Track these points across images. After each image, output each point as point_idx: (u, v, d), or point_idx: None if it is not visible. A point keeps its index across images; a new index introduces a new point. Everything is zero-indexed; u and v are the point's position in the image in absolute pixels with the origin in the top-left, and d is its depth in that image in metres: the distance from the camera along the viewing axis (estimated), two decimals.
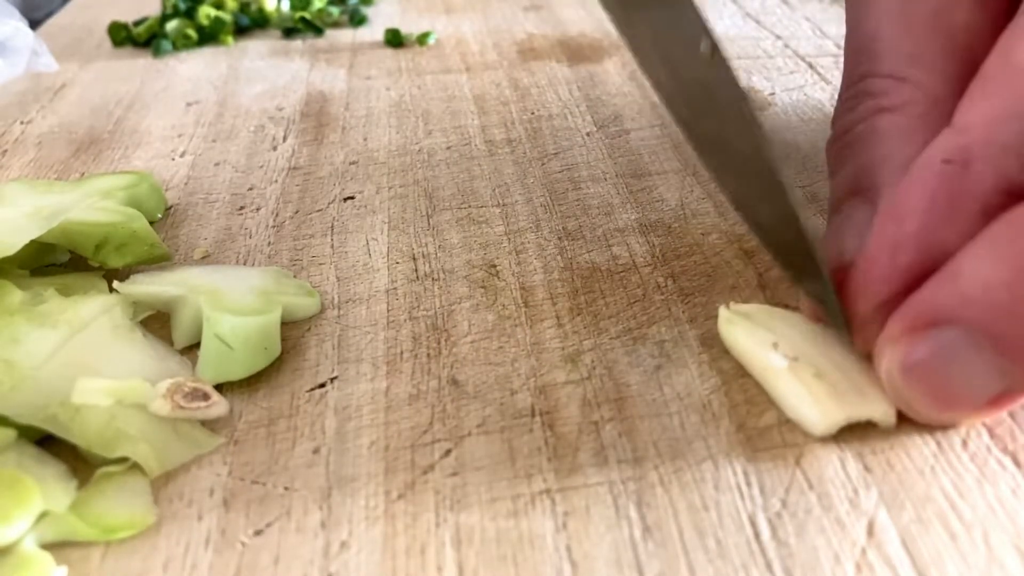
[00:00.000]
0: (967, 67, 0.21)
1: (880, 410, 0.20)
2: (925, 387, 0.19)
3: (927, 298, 0.18)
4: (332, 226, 0.30)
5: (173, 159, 0.36)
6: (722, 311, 0.23)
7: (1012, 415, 0.20)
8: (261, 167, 0.35)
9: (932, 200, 0.19)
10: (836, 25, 0.46)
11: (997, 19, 0.21)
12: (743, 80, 0.40)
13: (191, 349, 0.24)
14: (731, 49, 0.44)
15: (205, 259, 0.28)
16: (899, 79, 0.22)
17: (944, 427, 0.20)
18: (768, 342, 0.21)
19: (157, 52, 0.48)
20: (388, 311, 0.25)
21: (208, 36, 0.50)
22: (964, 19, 0.22)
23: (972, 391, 0.18)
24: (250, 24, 0.52)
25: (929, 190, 0.19)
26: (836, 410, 0.20)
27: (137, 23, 0.51)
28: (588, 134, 0.36)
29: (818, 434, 0.20)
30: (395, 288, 0.26)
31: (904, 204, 0.19)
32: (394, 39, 0.48)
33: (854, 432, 0.20)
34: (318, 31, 0.51)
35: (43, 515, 0.18)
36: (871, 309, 0.20)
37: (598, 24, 0.49)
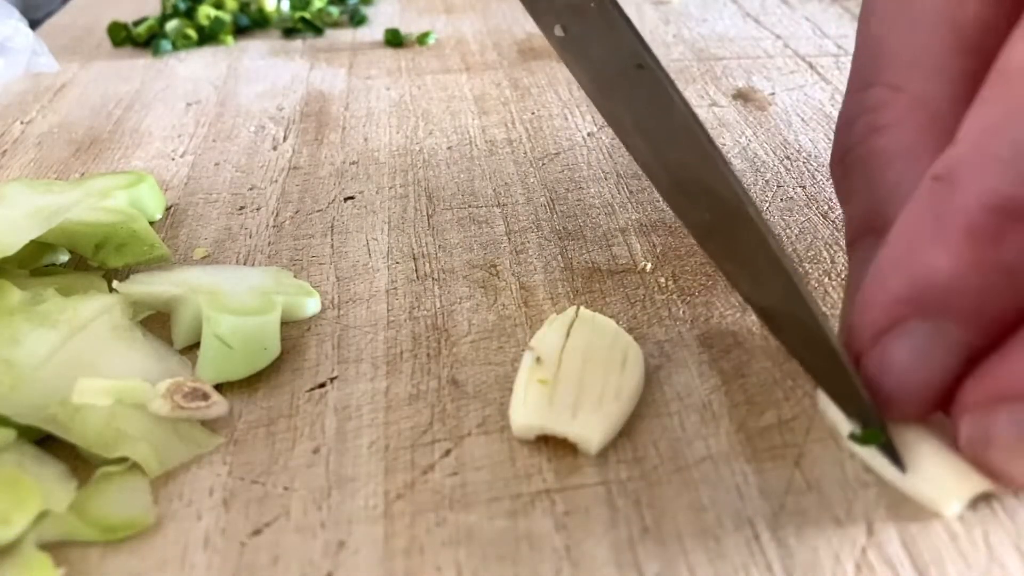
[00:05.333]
0: (980, 68, 0.18)
1: (579, 435, 0.20)
2: (1007, 460, 0.17)
3: (1006, 373, 0.17)
4: (332, 226, 0.30)
5: (173, 159, 0.36)
6: (582, 310, 0.23)
7: None
8: (261, 167, 0.35)
9: (917, 221, 0.17)
10: (836, 25, 0.46)
11: (1013, 13, 0.18)
12: (743, 82, 0.40)
13: (191, 349, 0.24)
14: (731, 49, 0.44)
15: (205, 259, 0.28)
16: (895, 89, 0.20)
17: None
18: (544, 338, 0.22)
19: (157, 52, 0.48)
20: (388, 311, 0.25)
21: (208, 36, 0.50)
22: (974, 12, 0.19)
23: None
24: (250, 24, 0.52)
25: (916, 211, 0.17)
26: (534, 415, 0.20)
27: (137, 23, 0.51)
28: (589, 134, 0.36)
29: (513, 431, 0.20)
30: (395, 288, 0.26)
31: (896, 227, 0.18)
32: (394, 39, 0.48)
33: None
34: (318, 31, 0.51)
35: (43, 515, 0.18)
36: (867, 341, 0.18)
37: None
